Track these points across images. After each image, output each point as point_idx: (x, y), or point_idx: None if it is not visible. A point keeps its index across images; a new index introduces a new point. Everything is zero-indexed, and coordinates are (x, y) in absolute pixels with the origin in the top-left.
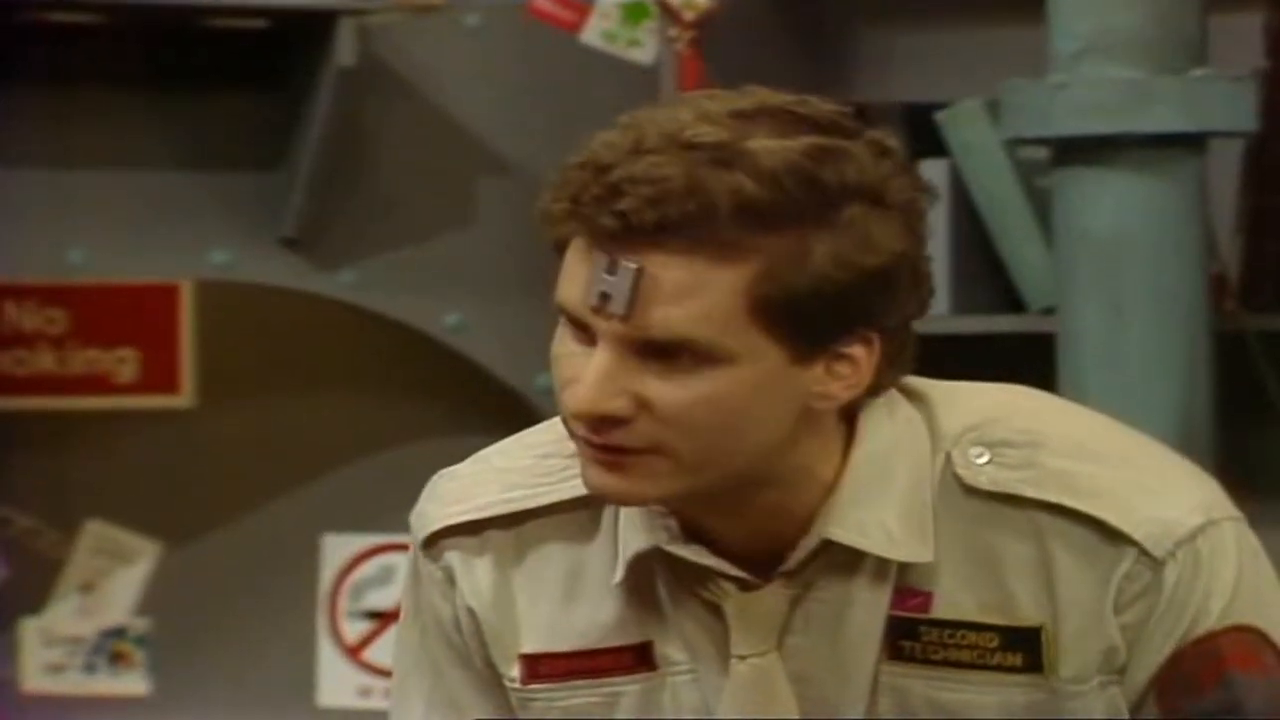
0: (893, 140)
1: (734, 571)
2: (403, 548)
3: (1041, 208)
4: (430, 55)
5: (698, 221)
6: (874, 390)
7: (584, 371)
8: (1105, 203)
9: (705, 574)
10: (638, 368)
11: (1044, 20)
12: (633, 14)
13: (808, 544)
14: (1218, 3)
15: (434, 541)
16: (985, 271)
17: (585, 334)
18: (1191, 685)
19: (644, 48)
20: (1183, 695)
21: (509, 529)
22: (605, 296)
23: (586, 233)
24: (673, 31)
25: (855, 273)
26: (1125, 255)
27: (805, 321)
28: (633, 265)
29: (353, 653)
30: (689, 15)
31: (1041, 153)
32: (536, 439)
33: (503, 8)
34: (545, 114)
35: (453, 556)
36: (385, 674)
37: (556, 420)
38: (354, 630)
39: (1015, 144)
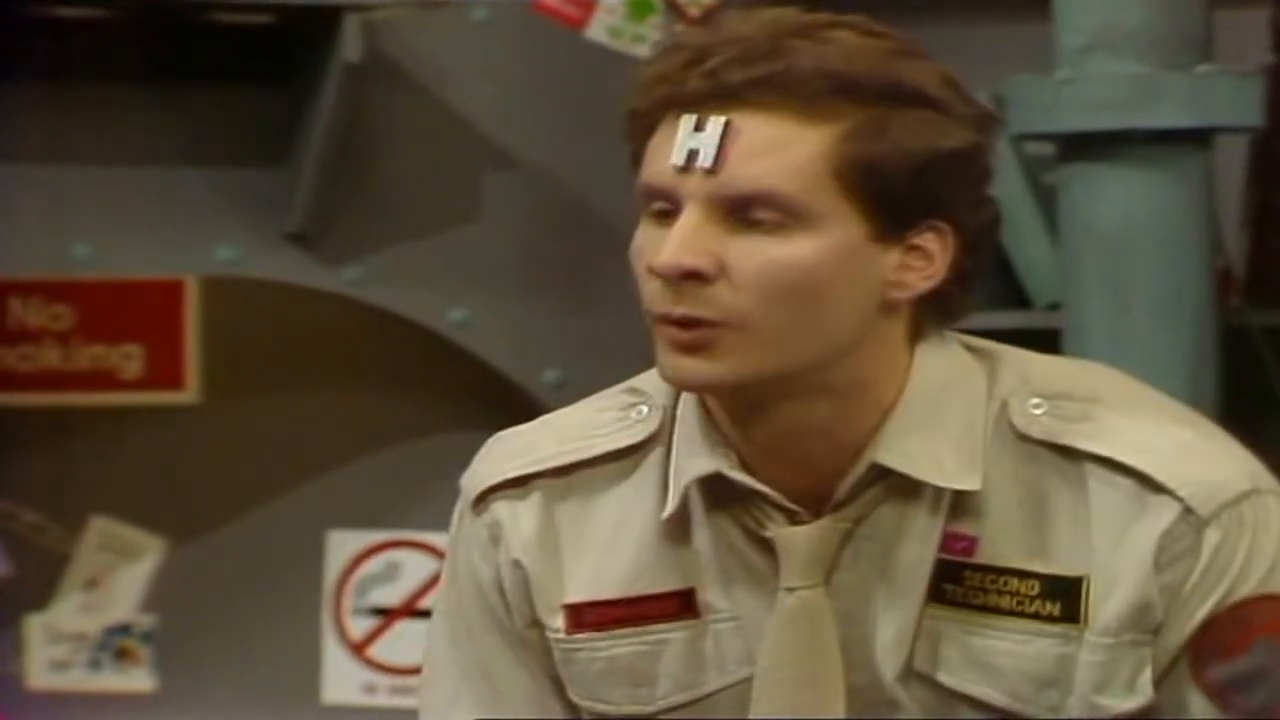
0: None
1: (788, 504)
2: (408, 544)
3: (1047, 204)
4: (435, 51)
5: (783, 81)
6: (944, 300)
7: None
8: (1111, 199)
9: (755, 508)
10: (721, 230)
11: (1050, 16)
12: (638, 10)
13: (857, 470)
14: None
15: (483, 498)
16: (990, 267)
17: (668, 219)
18: (1220, 650)
19: (649, 44)
20: (1212, 660)
21: (558, 479)
22: (693, 154)
23: (676, 100)
24: (678, 27)
25: (932, 149)
26: (1131, 251)
27: (884, 192)
28: (721, 119)
29: (357, 649)
30: (694, 11)
31: (1047, 148)
32: (596, 400)
33: (508, 3)
34: (550, 110)
35: (500, 508)
36: (390, 671)
37: (620, 385)
38: (359, 627)
39: (1021, 140)
